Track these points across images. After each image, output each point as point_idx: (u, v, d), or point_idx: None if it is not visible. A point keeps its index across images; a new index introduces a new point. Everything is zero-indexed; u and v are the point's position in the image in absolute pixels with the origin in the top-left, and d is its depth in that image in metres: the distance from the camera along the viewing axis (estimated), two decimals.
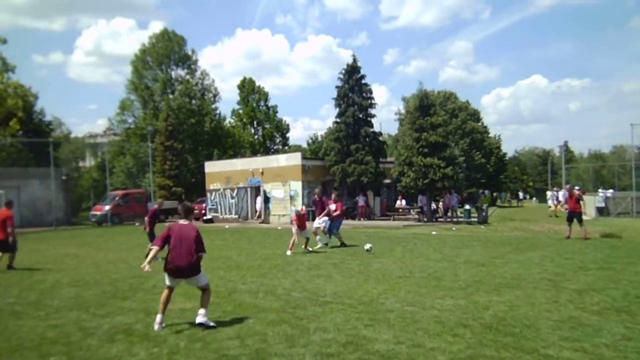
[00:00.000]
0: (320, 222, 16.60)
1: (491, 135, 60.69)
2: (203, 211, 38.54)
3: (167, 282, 7.12)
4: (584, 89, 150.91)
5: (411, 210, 32.12)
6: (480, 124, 58.51)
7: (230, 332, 6.59)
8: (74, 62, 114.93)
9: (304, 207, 19.26)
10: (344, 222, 20.14)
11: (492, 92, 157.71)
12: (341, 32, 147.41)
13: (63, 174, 38.33)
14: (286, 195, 32.03)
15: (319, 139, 64.30)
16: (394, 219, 30.81)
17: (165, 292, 7.09)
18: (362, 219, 30.98)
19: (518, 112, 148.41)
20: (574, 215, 17.85)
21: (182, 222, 7.29)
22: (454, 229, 23.98)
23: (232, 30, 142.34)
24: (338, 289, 9.30)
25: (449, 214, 29.20)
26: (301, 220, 15.60)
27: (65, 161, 61.60)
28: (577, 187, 24.26)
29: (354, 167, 30.46)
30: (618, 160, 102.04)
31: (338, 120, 32.44)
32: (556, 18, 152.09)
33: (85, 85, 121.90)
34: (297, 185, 31.72)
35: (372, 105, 32.47)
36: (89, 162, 70.24)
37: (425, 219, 28.70)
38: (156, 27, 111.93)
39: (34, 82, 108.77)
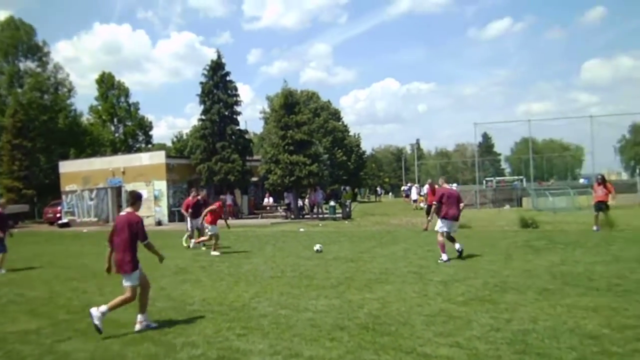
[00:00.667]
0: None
1: (351, 134, 62.63)
2: (58, 215, 35.22)
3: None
4: (431, 92, 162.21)
5: (278, 208, 31.90)
6: (340, 123, 60.06)
7: (82, 355, 5.65)
8: None
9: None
10: None
11: (350, 93, 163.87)
12: (205, 30, 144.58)
13: None
14: (150, 196, 30.19)
15: (184, 137, 61.98)
16: (262, 217, 30.38)
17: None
18: (230, 218, 30.09)
19: (374, 112, 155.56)
20: (430, 208, 18.60)
21: (124, 212, 6.87)
22: (320, 225, 24.10)
23: (89, 24, 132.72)
24: (207, 295, 8.60)
25: (315, 210, 29.36)
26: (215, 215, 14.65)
27: None
28: (429, 181, 25.45)
29: (220, 166, 29.51)
30: (460, 157, 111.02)
31: (203, 117, 31.23)
32: (406, 26, 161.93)
33: None
34: (161, 185, 30.05)
35: (237, 103, 31.72)
36: None
37: (292, 216, 28.59)
38: (1, 15, 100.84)
39: None
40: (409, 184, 56.92)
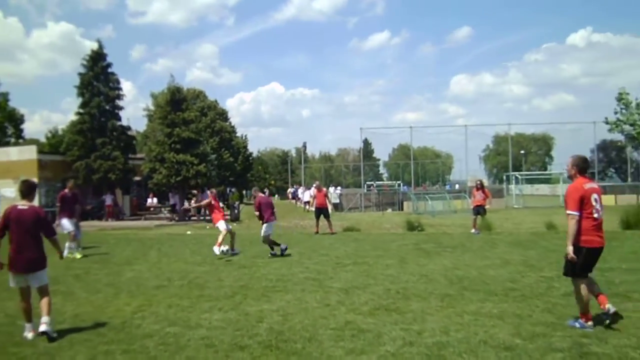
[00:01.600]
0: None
1: (238, 135, 61.33)
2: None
3: (13, 283, 5.93)
4: (314, 97, 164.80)
5: (162, 209, 30.03)
6: (228, 123, 58.50)
7: None
8: None
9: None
10: (90, 223, 17.46)
11: (235, 95, 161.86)
12: (85, 21, 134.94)
13: None
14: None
15: (60, 132, 56.75)
16: (145, 219, 28.36)
17: (20, 299, 5.95)
18: (110, 219, 27.82)
19: (259, 115, 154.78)
20: (322, 211, 18.20)
21: (21, 205, 6.01)
22: (207, 227, 22.90)
23: None
24: (81, 310, 7.33)
25: (202, 212, 27.90)
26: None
27: None
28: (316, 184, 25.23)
29: (100, 163, 27.15)
30: (343, 161, 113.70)
31: (82, 111, 28.58)
32: (292, 32, 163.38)
33: None
34: None
35: (119, 97, 29.47)
36: None
37: (177, 218, 26.99)
38: None
39: None
40: (295, 186, 56.94)
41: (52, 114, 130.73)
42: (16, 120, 55.55)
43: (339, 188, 41.41)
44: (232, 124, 59.95)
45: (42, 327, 5.83)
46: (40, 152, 28.19)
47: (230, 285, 8.85)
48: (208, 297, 7.95)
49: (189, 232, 20.21)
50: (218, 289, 8.51)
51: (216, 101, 58.54)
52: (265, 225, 12.45)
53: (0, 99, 53.86)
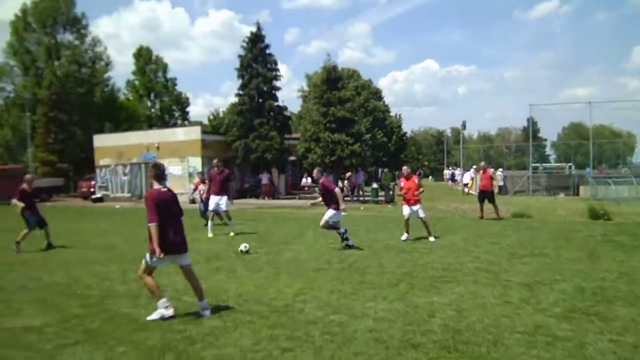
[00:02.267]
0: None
1: (392, 114, 60.78)
2: (92, 189, 34.84)
3: (156, 263, 5.99)
4: (471, 74, 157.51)
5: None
6: (381, 103, 58.23)
7: None
8: None
9: None
10: (247, 201, 18.24)
11: (388, 74, 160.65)
12: (243, 8, 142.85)
13: None
14: (184, 173, 29.38)
15: (221, 114, 61.11)
16: (299, 198, 29.19)
17: (149, 278, 6.04)
18: (266, 197, 29.11)
19: (412, 94, 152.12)
20: (486, 194, 17.01)
21: (160, 187, 6.07)
22: (362, 208, 22.79)
23: (128, 0, 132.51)
24: (243, 289, 7.41)
25: (356, 192, 27.98)
26: None
27: None
28: (482, 165, 23.72)
29: (257, 143, 28.39)
30: (503, 142, 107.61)
31: (241, 92, 30.10)
32: (448, 7, 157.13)
33: None
34: (196, 162, 29.13)
35: (277, 78, 30.46)
36: None
37: None
38: None
39: None
40: (452, 168, 55.08)
41: (213, 97, 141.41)
42: (182, 103, 60.75)
43: (500, 170, 39.15)
44: (386, 103, 59.58)
45: (207, 312, 6.01)
46: (203, 132, 30.27)
47: (393, 272, 8.42)
48: (370, 283, 7.60)
49: (343, 213, 20.18)
50: (380, 276, 8.12)
51: (370, 80, 58.52)
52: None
53: (169, 84, 59.21)
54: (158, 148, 30.77)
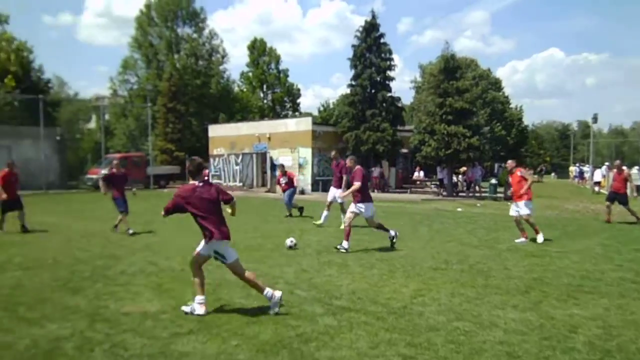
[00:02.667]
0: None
1: (512, 106, 57.83)
2: (206, 177, 36.27)
3: (207, 251, 6.06)
4: (602, 63, 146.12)
5: (429, 183, 29.79)
6: (501, 93, 55.60)
7: None
8: (83, 24, 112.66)
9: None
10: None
11: (507, 64, 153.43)
12: None
13: (57, 134, 36.13)
14: (294, 163, 29.79)
15: (331, 106, 61.63)
16: (411, 192, 28.56)
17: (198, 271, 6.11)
18: (376, 190, 28.75)
19: (533, 85, 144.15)
20: (618, 196, 15.36)
21: (195, 183, 6.12)
22: (478, 205, 21.74)
23: None
24: (357, 286, 7.13)
25: (472, 188, 26.80)
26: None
27: (67, 122, 59.60)
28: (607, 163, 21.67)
29: (369, 135, 28.08)
30: (638, 137, 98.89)
31: (353, 83, 29.92)
32: None
33: (95, 48, 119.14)
34: (306, 153, 29.44)
35: (391, 67, 29.92)
36: (94, 124, 68.29)
37: (444, 193, 26.42)
38: None
39: (42, 43, 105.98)
40: (578, 164, 51.47)
41: (322, 89, 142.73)
42: (294, 94, 61.93)
43: (636, 168, 35.80)
44: (506, 94, 56.84)
45: (276, 310, 5.78)
46: (314, 123, 30.48)
47: (521, 277, 7.73)
48: (496, 288, 7.01)
49: (459, 209, 19.38)
50: (506, 280, 7.48)
51: (489, 70, 56.11)
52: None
53: (281, 75, 60.60)
54: (269, 139, 31.47)
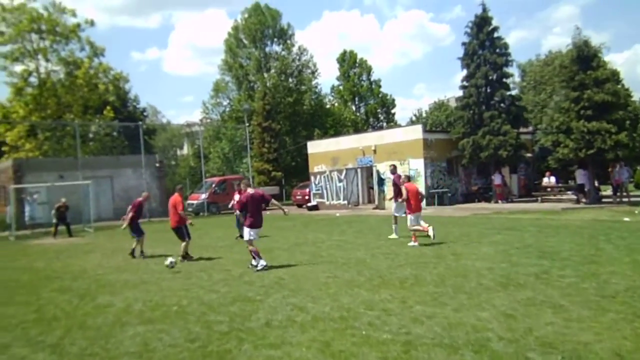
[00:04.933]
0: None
1: (634, 99, 52.44)
2: (306, 197, 34.98)
3: (252, 236, 10.72)
4: None
5: (563, 189, 26.39)
6: (620, 86, 50.52)
7: None
8: (169, 57, 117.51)
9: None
10: (476, 205, 15.84)
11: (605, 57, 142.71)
12: (434, 6, 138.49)
13: (156, 161, 36.11)
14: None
15: (423, 114, 58.79)
16: (541, 200, 25.43)
17: (252, 246, 10.69)
18: (500, 201, 25.96)
19: (636, 77, 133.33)
20: None
21: (249, 191, 11.00)
22: (636, 212, 18.54)
23: (318, 13, 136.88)
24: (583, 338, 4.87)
25: (619, 192, 23.29)
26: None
27: (162, 149, 60.97)
28: None
29: (489, 139, 25.35)
30: None
31: (466, 84, 27.32)
32: None
33: (181, 78, 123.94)
34: (418, 164, 27.13)
35: (508, 63, 27.12)
36: (187, 150, 69.67)
37: (584, 200, 23.19)
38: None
39: (133, 76, 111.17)
40: None
41: (405, 100, 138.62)
42: (388, 105, 59.85)
43: None
44: (626, 86, 51.55)
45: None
46: (425, 130, 28.11)
47: None
48: None
49: (626, 219, 16.40)
50: None
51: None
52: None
53: (373, 86, 58.82)
54: (375, 151, 29.49)
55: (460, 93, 28.41)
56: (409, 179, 14.36)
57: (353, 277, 9.22)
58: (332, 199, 33.03)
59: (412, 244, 12.76)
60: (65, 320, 7.33)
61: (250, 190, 11.06)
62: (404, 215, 13.91)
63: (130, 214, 13.96)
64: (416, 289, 7.97)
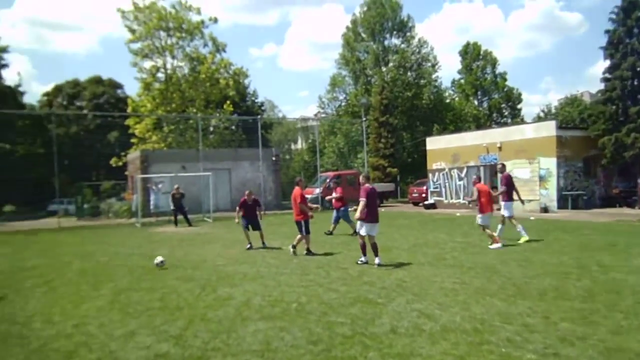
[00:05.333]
0: None
1: None
2: (423, 195, 33.91)
3: (367, 230, 10.67)
4: None
5: None
6: None
7: None
8: (285, 52, 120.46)
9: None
10: (617, 211, 14.00)
11: None
12: None
13: (273, 155, 36.72)
14: (534, 176, 25.71)
15: (552, 110, 54.99)
16: None
17: (362, 240, 10.90)
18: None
19: None
20: None
21: (369, 186, 10.86)
22: None
23: (439, 5, 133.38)
24: None
25: None
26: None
27: (277, 143, 62.37)
28: None
29: (634, 137, 22.91)
30: None
31: (609, 75, 24.89)
32: None
33: (297, 74, 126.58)
34: (549, 163, 25.15)
35: None
36: (300, 144, 70.87)
37: None
38: None
39: (251, 73, 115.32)
40: None
41: (530, 96, 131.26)
42: (513, 100, 56.81)
43: None
44: None
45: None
46: (559, 127, 25.98)
47: None
48: None
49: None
50: None
51: None
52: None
53: (498, 79, 56.07)
54: (500, 148, 27.78)
55: (598, 87, 26.12)
56: (479, 179, 14.50)
57: (483, 284, 8.39)
58: (451, 198, 31.72)
59: (495, 246, 12.68)
60: (187, 310, 7.35)
61: (368, 185, 10.91)
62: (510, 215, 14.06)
63: (240, 213, 14.66)
64: (559, 303, 7.02)
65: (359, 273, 9.79)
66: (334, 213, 17.53)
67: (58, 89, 61.93)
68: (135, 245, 16.30)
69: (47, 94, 62.72)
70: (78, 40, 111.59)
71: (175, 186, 23.43)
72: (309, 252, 12.58)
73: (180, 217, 23.01)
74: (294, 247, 12.69)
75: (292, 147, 74.64)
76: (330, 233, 17.26)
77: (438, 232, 17.21)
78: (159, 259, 11.39)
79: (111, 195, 36.75)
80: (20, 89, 51.91)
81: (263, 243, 14.35)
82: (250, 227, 14.43)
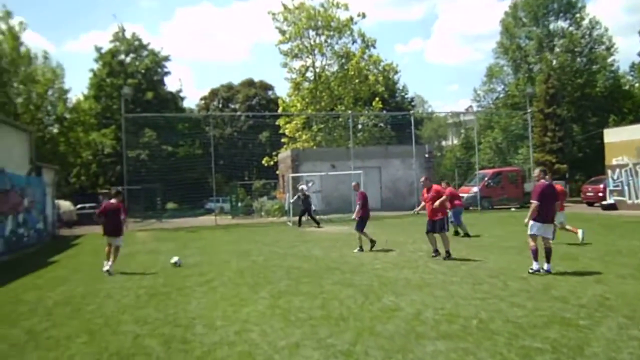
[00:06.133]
0: None
1: None
2: (600, 194, 30.27)
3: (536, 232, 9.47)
4: None
5: None
6: None
7: None
8: (432, 46, 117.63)
9: None
10: None
11: None
12: None
13: (426, 152, 35.14)
14: None
15: None
16: None
17: (533, 243, 9.49)
18: None
19: None
20: None
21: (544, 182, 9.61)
22: None
23: None
24: None
25: None
26: None
27: (428, 140, 60.49)
28: None
29: None
30: None
31: None
32: None
33: (445, 67, 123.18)
34: None
35: None
36: (451, 140, 68.43)
37: None
38: None
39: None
40: None
41: None
42: None
43: None
44: None
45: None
46: None
47: None
48: None
49: None
50: None
51: None
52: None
53: None
54: None
55: None
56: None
57: None
58: (636, 198, 27.86)
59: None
60: (353, 322, 6.79)
61: (544, 181, 9.75)
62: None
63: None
64: None
65: (544, 286, 8.27)
66: (451, 213, 15.35)
67: (214, 93, 65.49)
68: (288, 245, 16.07)
69: (204, 98, 66.66)
70: (232, 48, 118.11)
71: (303, 187, 23.61)
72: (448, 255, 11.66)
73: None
74: (447, 253, 11.67)
75: (443, 143, 72.25)
76: (467, 235, 16.01)
77: (630, 239, 14.70)
78: (175, 258, 11.98)
79: (262, 194, 37.66)
80: (181, 94, 55.24)
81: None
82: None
